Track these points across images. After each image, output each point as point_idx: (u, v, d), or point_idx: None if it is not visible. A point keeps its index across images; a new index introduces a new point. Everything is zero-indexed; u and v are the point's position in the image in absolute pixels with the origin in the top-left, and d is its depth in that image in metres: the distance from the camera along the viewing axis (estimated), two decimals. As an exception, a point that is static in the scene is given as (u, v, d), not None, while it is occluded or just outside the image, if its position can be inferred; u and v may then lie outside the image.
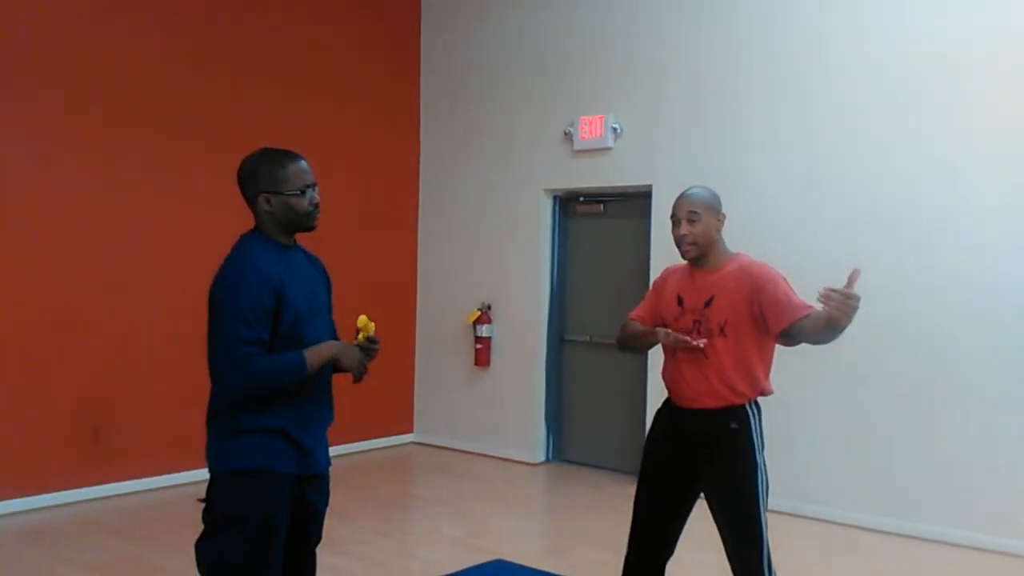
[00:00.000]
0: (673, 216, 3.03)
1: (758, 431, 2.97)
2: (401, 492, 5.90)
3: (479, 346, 6.84)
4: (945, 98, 4.94)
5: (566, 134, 6.43)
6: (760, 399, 3.02)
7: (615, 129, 6.18)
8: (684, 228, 2.97)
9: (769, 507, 2.94)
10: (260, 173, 2.52)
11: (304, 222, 2.57)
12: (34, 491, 5.06)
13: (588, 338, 6.54)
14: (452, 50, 7.15)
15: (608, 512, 5.27)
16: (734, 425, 2.94)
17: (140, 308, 5.48)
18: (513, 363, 6.76)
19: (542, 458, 6.66)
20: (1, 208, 4.93)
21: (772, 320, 2.87)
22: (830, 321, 2.63)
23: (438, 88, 7.23)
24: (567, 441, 6.72)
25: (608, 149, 6.23)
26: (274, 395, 2.45)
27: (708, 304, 2.95)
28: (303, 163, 2.57)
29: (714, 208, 2.99)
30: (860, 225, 5.18)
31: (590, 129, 6.29)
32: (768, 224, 5.40)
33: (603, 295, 6.45)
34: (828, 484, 5.25)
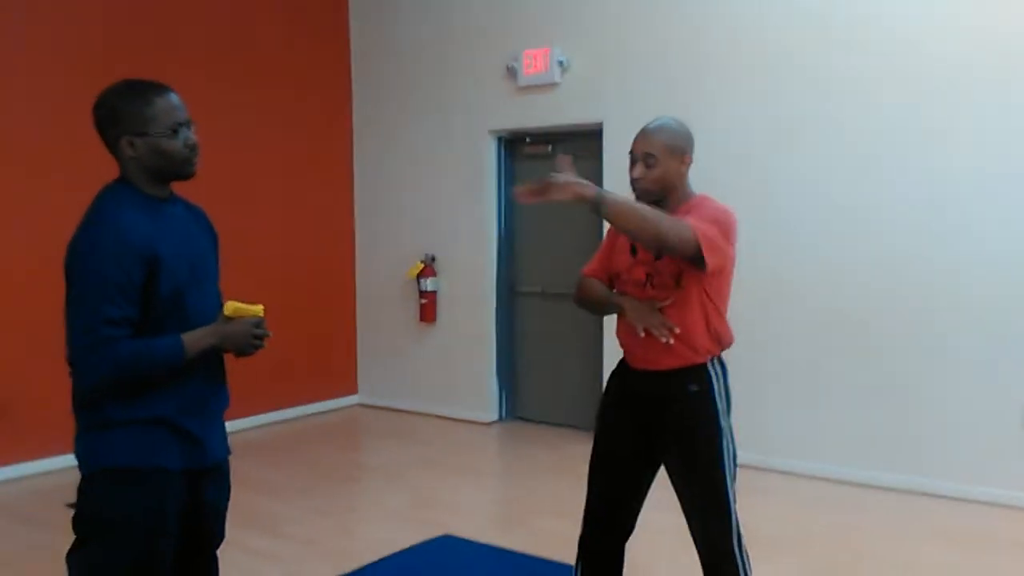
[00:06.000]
0: (630, 153, 2.61)
1: (722, 393, 2.61)
2: (342, 461, 5.49)
3: (424, 301, 6.42)
4: (921, 36, 4.58)
5: (509, 69, 5.94)
6: (723, 353, 2.66)
7: (561, 63, 5.72)
8: (638, 170, 2.56)
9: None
10: (120, 112, 2.05)
11: (179, 168, 2.12)
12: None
13: (540, 289, 6.15)
14: (384, -19, 6.58)
15: (565, 474, 4.95)
16: (694, 387, 2.59)
17: (51, 276, 4.90)
18: (461, 318, 6.36)
19: (495, 417, 6.31)
20: None
21: None
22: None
23: (369, 21, 6.66)
24: (520, 398, 6.37)
25: (555, 85, 5.77)
26: (146, 384, 2.03)
27: (660, 256, 2.56)
28: (174, 96, 2.10)
29: (678, 149, 2.56)
30: (832, 162, 4.84)
31: (535, 63, 5.81)
32: (733, 167, 5.03)
33: (555, 243, 6.05)
34: (793, 435, 4.98)
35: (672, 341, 2.50)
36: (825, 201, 4.85)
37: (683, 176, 2.60)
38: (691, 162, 2.61)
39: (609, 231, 2.78)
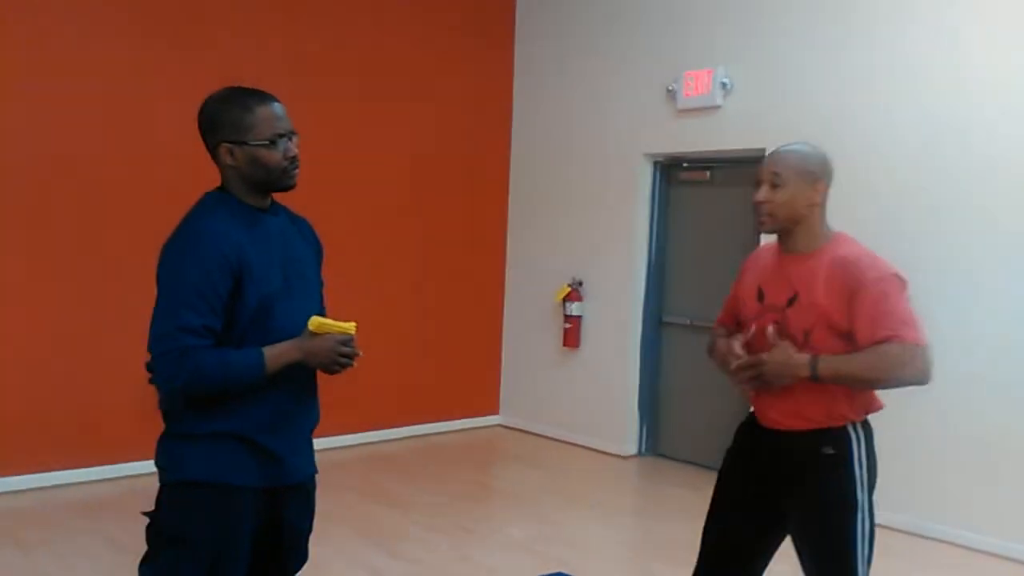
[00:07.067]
0: (757, 177, 2.37)
1: (861, 461, 2.27)
2: (472, 482, 5.43)
3: (568, 325, 6.28)
4: None
5: (669, 91, 5.72)
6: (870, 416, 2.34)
7: (724, 85, 5.43)
8: (762, 193, 2.31)
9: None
10: (221, 118, 2.05)
11: (277, 180, 2.08)
12: None
13: (688, 321, 5.85)
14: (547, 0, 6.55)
15: (701, 518, 4.58)
16: (829, 450, 2.27)
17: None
18: (605, 345, 6.17)
19: (633, 451, 6.05)
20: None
21: (859, 335, 2.19)
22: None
23: (532, 43, 6.64)
24: (662, 433, 6.08)
25: (716, 108, 5.49)
26: (225, 396, 2.00)
27: (791, 303, 2.28)
28: (276, 106, 2.07)
29: (809, 173, 2.29)
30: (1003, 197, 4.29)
31: (696, 85, 5.56)
32: (896, 203, 4.58)
33: (707, 273, 5.74)
34: (953, 502, 4.42)
35: (751, 397, 2.29)
36: (992, 231, 4.30)
37: (815, 207, 2.31)
38: (826, 191, 2.33)
39: (741, 266, 2.52)
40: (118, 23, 4.90)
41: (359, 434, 5.71)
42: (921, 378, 2.16)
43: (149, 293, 2.02)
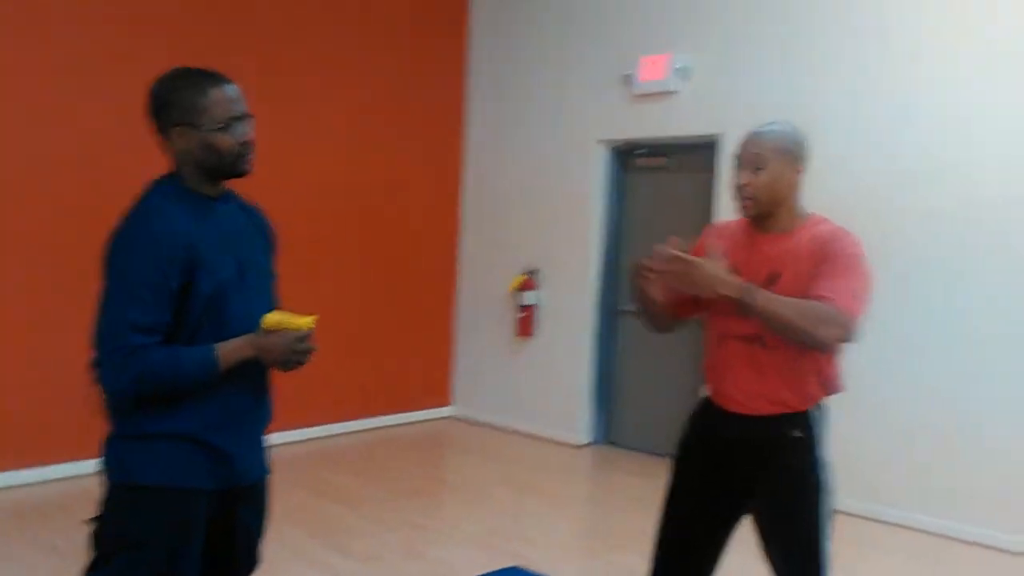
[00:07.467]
0: (736, 159, 2.29)
1: (823, 441, 2.27)
2: (424, 475, 5.30)
3: (522, 314, 6.18)
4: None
5: (625, 77, 5.64)
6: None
7: (680, 70, 5.37)
8: (745, 176, 2.24)
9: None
10: (173, 100, 1.91)
11: (230, 166, 1.96)
12: None
13: (643, 309, 5.79)
14: (502, -17, 6.42)
15: (655, 506, 4.52)
16: (796, 433, 2.25)
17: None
18: (559, 334, 6.08)
19: (587, 440, 5.99)
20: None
21: (810, 290, 2.15)
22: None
23: (486, 29, 6.50)
24: (616, 422, 6.02)
25: (672, 93, 5.43)
26: (175, 396, 1.87)
27: (772, 281, 2.21)
28: (231, 88, 1.95)
29: (790, 154, 2.24)
30: (973, 183, 4.31)
31: (652, 70, 5.49)
32: (855, 186, 4.57)
33: (662, 261, 5.68)
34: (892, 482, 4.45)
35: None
36: (953, 216, 4.32)
37: (795, 187, 2.26)
38: (803, 172, 2.26)
39: (697, 248, 2.43)
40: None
41: (307, 429, 5.51)
42: (833, 346, 2.14)
43: (86, 285, 1.87)
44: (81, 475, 4.53)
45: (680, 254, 2.15)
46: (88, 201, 4.56)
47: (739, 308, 2.12)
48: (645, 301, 2.37)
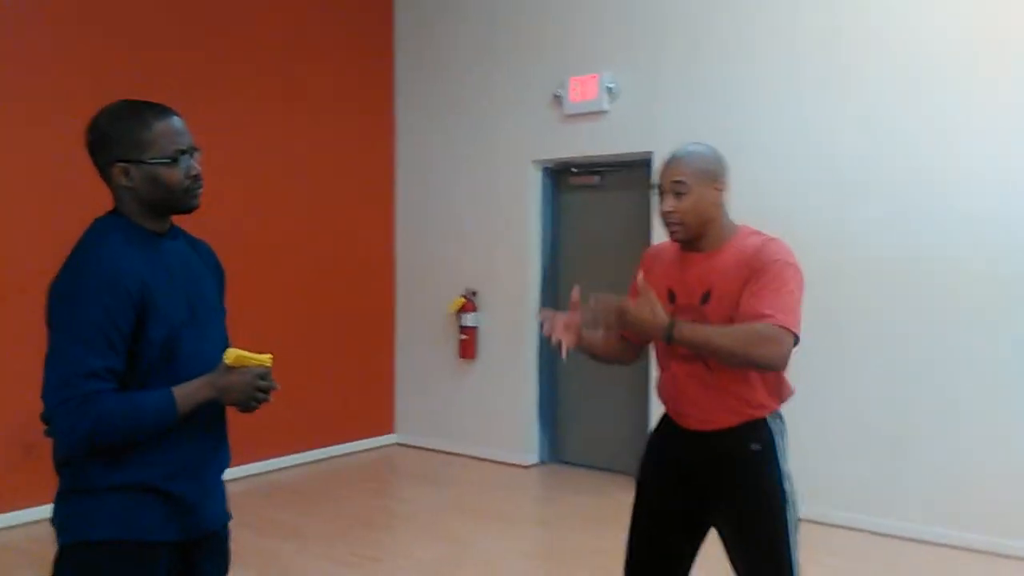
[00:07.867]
0: (657, 187, 2.32)
1: (784, 453, 2.30)
2: (372, 507, 5.20)
3: (464, 337, 6.15)
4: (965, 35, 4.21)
5: (555, 97, 5.70)
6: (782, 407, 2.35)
7: (610, 89, 5.45)
8: (669, 202, 2.27)
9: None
10: (114, 135, 1.83)
11: (179, 200, 1.89)
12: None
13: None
14: (426, 5, 6.41)
15: (608, 523, 4.54)
16: (756, 446, 2.28)
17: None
18: (502, 355, 6.07)
19: (535, 459, 5.98)
20: None
21: (741, 307, 2.18)
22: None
23: (413, 50, 6.49)
24: (563, 440, 6.03)
25: (603, 112, 5.50)
26: (132, 445, 1.78)
27: (705, 300, 2.25)
28: (176, 120, 1.88)
29: (710, 174, 2.27)
30: (885, 194, 4.46)
31: (582, 90, 5.55)
32: (786, 197, 4.69)
33: (602, 278, 5.64)
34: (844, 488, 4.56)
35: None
36: (878, 229, 4.47)
37: (719, 206, 2.30)
38: (725, 189, 2.31)
39: (639, 275, 2.44)
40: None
41: (247, 465, 5.29)
42: (777, 362, 2.14)
43: (24, 324, 1.77)
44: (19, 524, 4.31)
45: (616, 304, 2.15)
46: (30, 240, 4.36)
47: (667, 340, 2.14)
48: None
